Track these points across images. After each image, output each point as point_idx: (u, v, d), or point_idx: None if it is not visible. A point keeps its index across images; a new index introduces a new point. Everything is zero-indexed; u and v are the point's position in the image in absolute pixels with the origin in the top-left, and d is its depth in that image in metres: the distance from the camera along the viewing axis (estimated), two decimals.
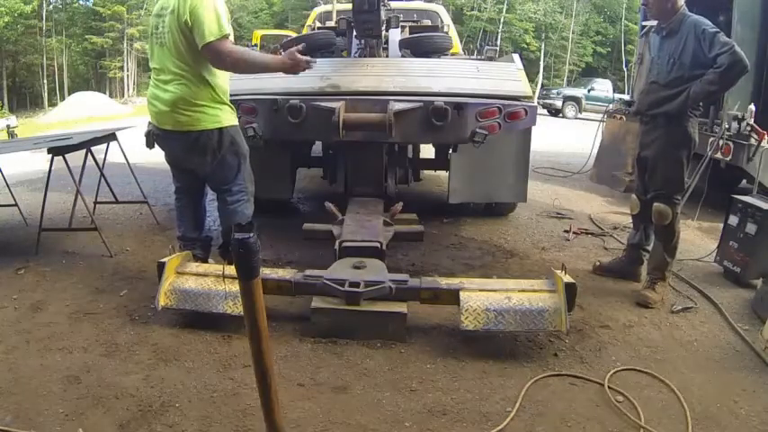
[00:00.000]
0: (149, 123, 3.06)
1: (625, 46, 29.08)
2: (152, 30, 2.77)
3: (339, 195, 3.88)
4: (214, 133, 2.73)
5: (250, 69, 2.80)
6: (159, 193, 5.36)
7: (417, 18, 6.19)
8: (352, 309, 2.49)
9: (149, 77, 2.92)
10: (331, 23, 6.25)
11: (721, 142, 4.59)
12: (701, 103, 3.03)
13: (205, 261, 3.01)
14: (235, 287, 2.57)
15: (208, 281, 2.63)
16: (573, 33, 36.02)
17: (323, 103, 3.25)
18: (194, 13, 2.52)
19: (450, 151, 4.06)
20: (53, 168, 3.63)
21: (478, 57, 4.68)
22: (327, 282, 2.53)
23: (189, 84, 2.66)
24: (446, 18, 6.73)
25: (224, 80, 2.78)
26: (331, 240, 3.07)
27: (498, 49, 4.41)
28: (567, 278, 2.46)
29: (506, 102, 3.38)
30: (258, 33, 15.07)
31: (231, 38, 2.66)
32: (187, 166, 2.92)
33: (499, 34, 34.40)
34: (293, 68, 2.71)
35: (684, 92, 2.87)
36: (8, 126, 10.55)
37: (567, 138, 11.16)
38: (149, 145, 3.21)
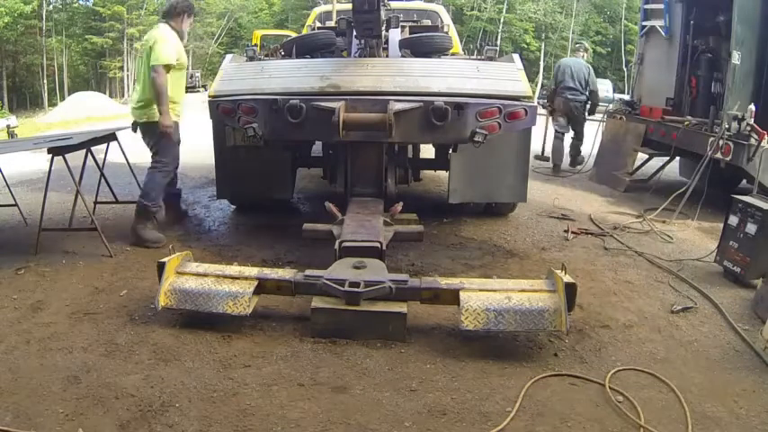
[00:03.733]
0: None
1: (625, 46, 29.10)
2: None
3: (339, 195, 3.88)
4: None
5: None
6: None
7: (417, 18, 6.19)
8: (352, 309, 2.49)
9: None
10: (331, 23, 6.25)
11: (721, 142, 4.59)
12: None
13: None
14: (235, 287, 2.58)
15: (208, 281, 2.63)
16: (573, 33, 36.01)
17: (323, 103, 3.25)
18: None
19: (450, 151, 4.05)
20: (53, 168, 3.63)
21: (478, 57, 4.67)
22: (327, 282, 2.53)
23: None
24: (446, 18, 6.73)
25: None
26: (331, 240, 3.07)
27: (498, 49, 4.40)
28: (567, 278, 2.46)
29: (506, 102, 3.37)
30: (258, 33, 15.06)
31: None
32: None
33: (499, 34, 34.42)
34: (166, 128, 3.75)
35: None
36: (8, 126, 10.58)
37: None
38: None
